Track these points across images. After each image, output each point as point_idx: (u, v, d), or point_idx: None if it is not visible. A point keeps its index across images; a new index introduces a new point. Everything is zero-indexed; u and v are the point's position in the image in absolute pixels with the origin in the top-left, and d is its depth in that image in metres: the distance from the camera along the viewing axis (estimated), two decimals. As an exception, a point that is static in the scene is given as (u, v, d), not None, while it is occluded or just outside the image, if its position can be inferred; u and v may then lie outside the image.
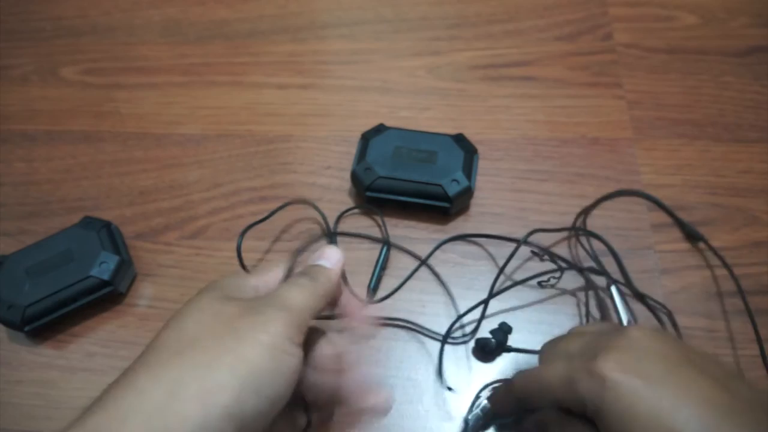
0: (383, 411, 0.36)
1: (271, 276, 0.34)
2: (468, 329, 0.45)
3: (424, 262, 0.48)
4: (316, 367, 0.32)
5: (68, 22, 0.65)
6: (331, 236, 0.49)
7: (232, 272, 0.34)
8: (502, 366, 0.44)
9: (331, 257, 0.35)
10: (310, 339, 0.32)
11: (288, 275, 0.34)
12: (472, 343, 0.45)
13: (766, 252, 0.48)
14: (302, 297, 0.31)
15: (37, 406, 0.44)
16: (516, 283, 0.46)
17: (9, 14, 0.66)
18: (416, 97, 0.57)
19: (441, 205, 0.48)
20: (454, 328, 0.45)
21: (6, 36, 0.64)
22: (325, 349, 0.33)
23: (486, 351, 0.44)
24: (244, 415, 0.25)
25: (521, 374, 0.36)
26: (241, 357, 0.26)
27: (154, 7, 0.65)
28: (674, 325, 0.44)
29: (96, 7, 0.66)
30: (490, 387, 0.42)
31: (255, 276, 0.34)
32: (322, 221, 0.50)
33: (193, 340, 0.27)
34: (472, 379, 0.43)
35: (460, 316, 0.45)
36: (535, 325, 0.45)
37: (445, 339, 0.44)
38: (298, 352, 0.28)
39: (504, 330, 0.44)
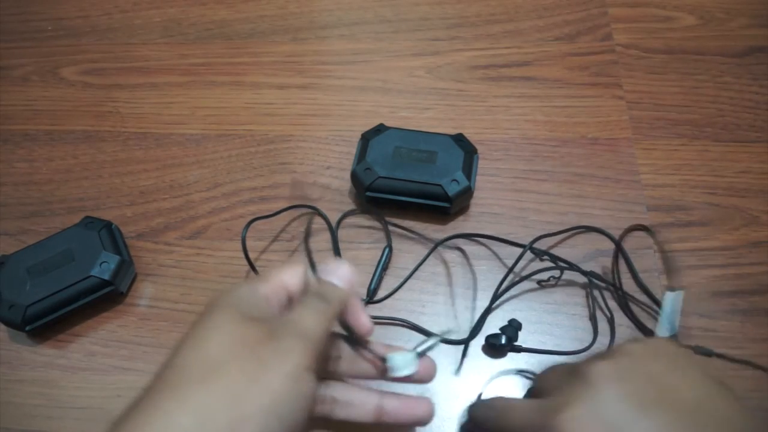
0: (425, 421, 0.34)
1: (279, 282, 0.33)
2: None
3: (423, 262, 0.48)
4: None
5: (69, 22, 0.65)
6: (335, 238, 0.49)
7: (242, 282, 0.32)
8: (509, 364, 0.44)
9: (342, 275, 0.33)
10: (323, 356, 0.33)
11: (297, 279, 0.33)
12: (481, 341, 0.45)
13: (765, 252, 0.48)
14: (319, 323, 0.30)
15: (38, 406, 0.44)
16: (517, 282, 0.46)
17: (9, 14, 0.66)
18: (416, 97, 0.58)
19: (441, 205, 0.48)
20: (451, 329, 0.45)
21: (6, 36, 0.64)
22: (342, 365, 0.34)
23: (497, 348, 0.44)
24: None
25: (494, 404, 0.36)
26: (266, 388, 0.26)
27: (155, 8, 0.65)
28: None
29: (96, 8, 0.66)
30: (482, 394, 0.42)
31: (264, 283, 0.33)
32: (323, 222, 0.50)
33: (218, 365, 0.27)
34: (473, 378, 0.43)
35: (480, 321, 0.45)
36: (536, 324, 0.45)
37: (469, 340, 0.45)
38: (313, 379, 0.29)
39: (514, 326, 0.44)
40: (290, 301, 0.33)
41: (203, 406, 0.25)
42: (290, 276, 0.33)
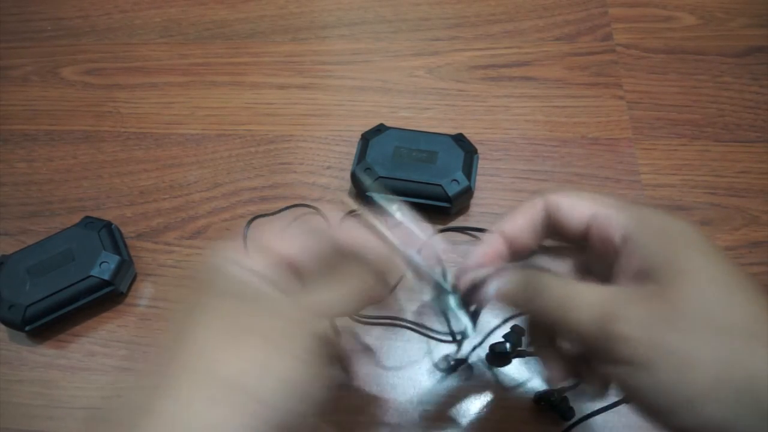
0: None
1: (275, 256, 0.27)
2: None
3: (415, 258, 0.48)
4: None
5: (68, 22, 0.65)
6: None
7: (227, 256, 0.27)
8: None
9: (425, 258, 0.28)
10: None
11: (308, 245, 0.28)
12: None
13: (765, 252, 0.48)
14: (351, 305, 0.27)
15: (37, 406, 0.44)
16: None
17: (9, 14, 0.66)
18: (416, 97, 0.58)
19: (441, 205, 0.48)
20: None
21: (6, 36, 0.64)
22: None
23: (501, 356, 0.42)
24: (288, 422, 0.24)
25: (546, 285, 0.27)
26: (273, 371, 0.24)
27: (155, 7, 0.65)
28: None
29: (96, 8, 0.66)
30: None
31: (256, 258, 0.27)
32: (323, 223, 0.50)
33: (219, 353, 0.24)
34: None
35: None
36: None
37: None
38: (331, 361, 0.26)
39: (517, 332, 0.43)
40: (299, 274, 0.28)
41: (209, 396, 0.23)
42: (291, 247, 0.28)
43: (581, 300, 0.25)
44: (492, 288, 0.28)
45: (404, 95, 0.58)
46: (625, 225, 0.26)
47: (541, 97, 0.57)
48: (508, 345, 0.43)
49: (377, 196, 0.31)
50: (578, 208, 0.28)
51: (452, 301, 0.30)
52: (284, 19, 0.64)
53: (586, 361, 0.28)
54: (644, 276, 0.25)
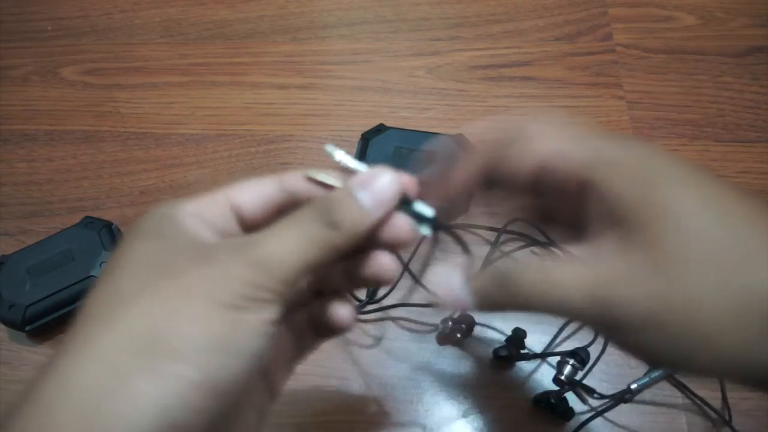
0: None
1: (221, 199, 0.26)
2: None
3: (413, 256, 0.48)
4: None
5: (68, 22, 0.65)
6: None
7: (167, 201, 0.25)
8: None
9: (377, 189, 0.24)
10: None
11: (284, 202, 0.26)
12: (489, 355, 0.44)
13: (765, 252, 0.48)
14: (295, 249, 0.23)
15: (38, 406, 0.44)
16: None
17: (9, 14, 0.66)
18: (416, 97, 0.58)
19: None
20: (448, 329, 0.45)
21: (6, 36, 0.64)
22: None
23: (504, 360, 0.43)
24: (216, 381, 0.21)
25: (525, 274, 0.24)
26: (194, 320, 0.21)
27: (155, 7, 0.65)
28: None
29: (96, 8, 0.66)
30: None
31: (197, 200, 0.25)
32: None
33: (127, 300, 0.21)
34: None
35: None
36: (537, 325, 0.45)
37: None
38: (270, 311, 0.22)
39: (519, 335, 0.43)
40: (246, 227, 0.26)
41: (111, 350, 0.20)
42: (243, 193, 0.26)
43: (564, 279, 0.23)
44: (466, 296, 0.26)
45: (404, 95, 0.58)
46: (583, 167, 0.24)
47: (541, 97, 0.57)
48: (510, 348, 0.43)
49: (331, 148, 0.28)
50: (527, 151, 0.26)
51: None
52: (284, 19, 0.64)
53: None
54: (619, 222, 0.23)
